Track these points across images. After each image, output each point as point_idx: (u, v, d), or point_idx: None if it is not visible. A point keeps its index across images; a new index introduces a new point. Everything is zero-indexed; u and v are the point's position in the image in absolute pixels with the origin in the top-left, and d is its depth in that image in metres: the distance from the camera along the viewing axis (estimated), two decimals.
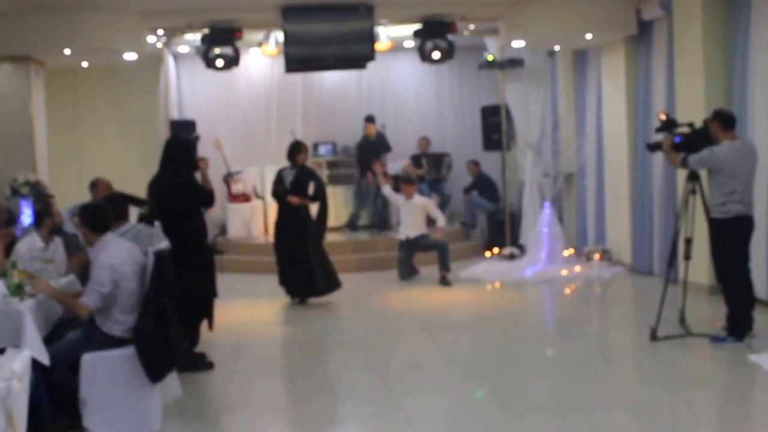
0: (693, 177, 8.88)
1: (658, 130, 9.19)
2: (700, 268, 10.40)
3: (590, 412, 6.92)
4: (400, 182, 14.46)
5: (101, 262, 6.70)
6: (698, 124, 8.96)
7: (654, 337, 8.81)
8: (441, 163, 17.46)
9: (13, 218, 11.27)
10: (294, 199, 12.05)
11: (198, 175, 9.00)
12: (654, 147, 9.41)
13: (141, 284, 6.63)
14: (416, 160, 17.25)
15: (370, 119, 16.77)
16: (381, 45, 14.71)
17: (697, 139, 8.84)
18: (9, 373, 5.11)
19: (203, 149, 16.15)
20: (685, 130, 8.97)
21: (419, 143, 17.56)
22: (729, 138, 8.63)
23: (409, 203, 13.89)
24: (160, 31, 14.26)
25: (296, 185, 12.12)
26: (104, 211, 7.00)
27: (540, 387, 7.82)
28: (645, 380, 7.88)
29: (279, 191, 12.21)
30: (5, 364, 5.32)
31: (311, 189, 12.30)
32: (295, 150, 12.26)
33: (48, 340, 6.51)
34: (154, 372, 6.53)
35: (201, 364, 8.62)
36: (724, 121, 8.69)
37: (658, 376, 7.92)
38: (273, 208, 16.67)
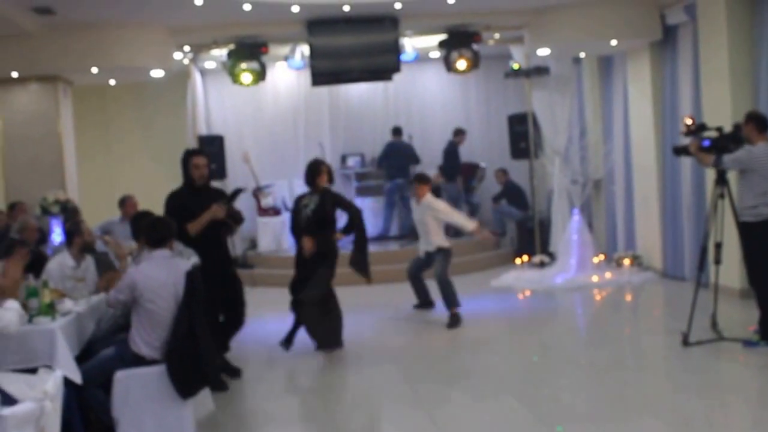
0: (721, 181, 8.84)
1: (689, 134, 9.11)
2: (731, 271, 10.36)
3: (623, 420, 6.90)
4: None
5: (129, 272, 6.90)
6: (727, 128, 8.93)
7: (686, 342, 8.76)
8: (473, 175, 17.46)
9: (43, 237, 11.38)
10: (308, 245, 9.64)
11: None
12: (680, 151, 9.37)
13: (170, 304, 6.65)
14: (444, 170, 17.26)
15: (397, 131, 16.82)
16: (406, 56, 14.75)
17: (726, 143, 8.79)
18: (42, 394, 5.16)
19: (232, 165, 16.28)
20: (712, 134, 8.93)
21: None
22: (763, 140, 8.60)
23: (417, 207, 11.55)
24: (187, 48, 14.36)
25: (319, 215, 9.69)
26: (162, 228, 7.06)
27: (573, 395, 7.78)
28: (678, 386, 7.83)
29: (293, 228, 10.05)
30: (38, 385, 5.36)
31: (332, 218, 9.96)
32: (315, 171, 9.81)
33: (80, 359, 6.55)
34: (185, 388, 6.56)
35: (227, 369, 8.63)
36: (759, 122, 8.67)
37: (691, 382, 7.87)
38: None
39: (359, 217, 9.93)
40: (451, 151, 16.90)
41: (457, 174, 16.91)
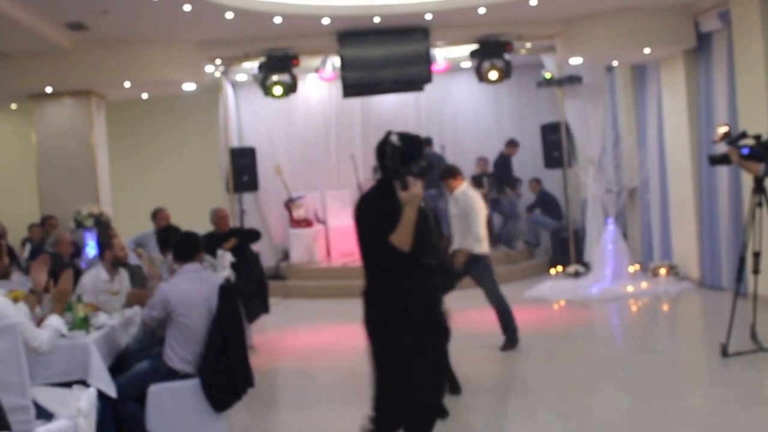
0: (759, 190, 8.72)
1: (730, 143, 8.96)
2: None
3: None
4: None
5: (160, 287, 6.88)
6: (765, 136, 8.81)
7: (725, 353, 8.64)
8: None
9: (78, 251, 11.42)
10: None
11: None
12: (717, 160, 9.24)
13: (203, 318, 6.63)
14: (477, 179, 17.18)
15: (428, 142, 16.78)
16: (438, 66, 14.74)
17: (764, 151, 8.67)
18: (75, 411, 5.15)
19: (264, 177, 16.30)
20: (750, 141, 8.81)
21: (477, 164, 17.45)
22: None
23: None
24: (218, 61, 14.41)
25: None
26: (190, 242, 7.06)
27: (610, 408, 7.69)
28: (717, 399, 7.72)
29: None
30: (72, 401, 5.35)
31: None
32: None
33: (112, 371, 6.54)
34: (219, 402, 6.55)
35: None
36: None
37: (730, 394, 7.74)
38: (335, 232, 16.79)
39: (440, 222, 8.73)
40: (502, 163, 16.87)
41: (511, 186, 16.87)
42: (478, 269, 9.76)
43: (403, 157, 5.07)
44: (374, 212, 5.18)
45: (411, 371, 5.20)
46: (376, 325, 5.23)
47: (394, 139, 5.13)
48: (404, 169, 5.00)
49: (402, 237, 4.98)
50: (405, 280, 5.14)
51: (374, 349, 5.30)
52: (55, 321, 5.81)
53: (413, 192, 4.93)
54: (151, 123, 16.84)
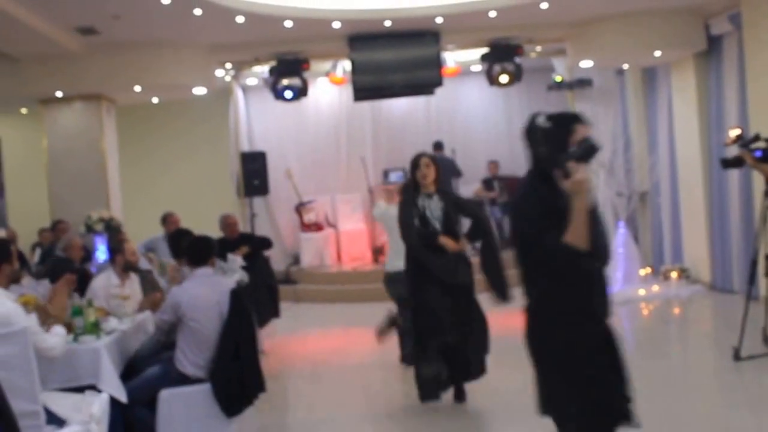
0: None
1: (743, 145, 8.94)
2: None
3: None
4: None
5: (172, 292, 6.90)
6: None
7: (737, 356, 8.61)
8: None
9: (88, 255, 11.42)
10: (449, 243, 7.73)
11: None
12: (730, 163, 9.21)
13: (214, 323, 6.62)
14: (488, 183, 17.17)
15: (438, 145, 16.74)
16: (448, 70, 14.70)
17: None
18: (88, 417, 5.14)
19: (275, 181, 16.29)
20: (762, 144, 8.78)
21: (489, 167, 17.44)
22: None
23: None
24: (229, 65, 14.42)
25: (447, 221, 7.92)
26: (203, 247, 7.05)
27: None
28: (729, 402, 7.69)
29: (426, 233, 7.89)
30: (84, 407, 5.35)
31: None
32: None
33: (122, 376, 6.53)
34: (230, 407, 6.54)
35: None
36: None
37: (743, 398, 7.72)
38: (346, 236, 16.79)
39: (487, 222, 8.28)
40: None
41: None
42: None
43: (557, 139, 4.40)
44: (535, 212, 4.35)
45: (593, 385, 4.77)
46: (551, 342, 4.80)
47: (541, 121, 4.47)
48: (564, 155, 4.26)
49: (576, 234, 4.19)
50: (582, 286, 4.43)
51: (547, 371, 4.96)
52: (62, 330, 5.84)
53: (579, 178, 4.18)
54: (161, 127, 16.85)
